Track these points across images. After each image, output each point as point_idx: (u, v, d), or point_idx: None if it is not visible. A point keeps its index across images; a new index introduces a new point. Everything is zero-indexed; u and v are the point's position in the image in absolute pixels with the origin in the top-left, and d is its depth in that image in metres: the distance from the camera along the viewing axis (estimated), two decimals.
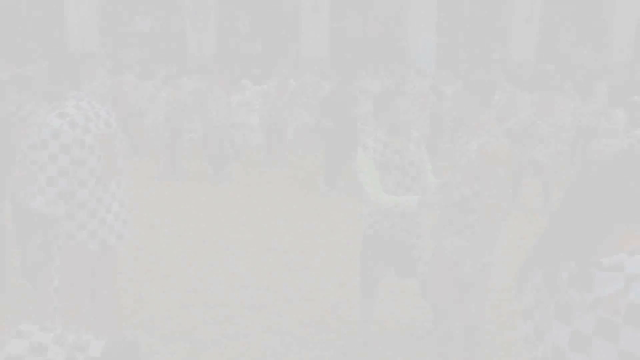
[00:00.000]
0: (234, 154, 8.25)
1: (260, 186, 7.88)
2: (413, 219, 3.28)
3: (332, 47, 14.97)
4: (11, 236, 4.16)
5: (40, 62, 9.30)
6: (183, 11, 14.31)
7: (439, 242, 3.05)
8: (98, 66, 9.30)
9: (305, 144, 10.50)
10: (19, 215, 3.82)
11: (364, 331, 3.59)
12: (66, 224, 2.77)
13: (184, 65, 13.82)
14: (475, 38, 14.69)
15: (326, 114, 7.30)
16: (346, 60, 14.06)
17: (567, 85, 12.64)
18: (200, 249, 5.28)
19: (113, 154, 2.93)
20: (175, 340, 3.62)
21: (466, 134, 2.93)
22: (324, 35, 14.69)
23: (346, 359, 3.49)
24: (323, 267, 4.88)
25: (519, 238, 4.98)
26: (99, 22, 14.34)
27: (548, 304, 1.43)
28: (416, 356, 3.51)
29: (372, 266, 3.36)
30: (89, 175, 2.76)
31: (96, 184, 2.81)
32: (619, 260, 1.25)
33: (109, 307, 3.09)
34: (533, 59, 14.99)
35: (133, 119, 9.92)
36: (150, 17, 14.65)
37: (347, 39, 14.92)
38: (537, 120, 6.53)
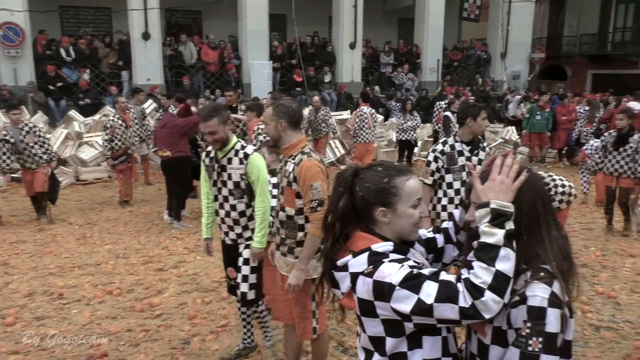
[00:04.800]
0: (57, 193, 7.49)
1: (97, 224, 7.32)
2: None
3: (166, 74, 14.62)
4: None
5: None
6: None
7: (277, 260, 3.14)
8: None
9: (147, 173, 10.06)
10: None
11: None
12: None
13: None
14: (309, 62, 15.47)
15: (164, 143, 7.07)
16: (181, 87, 13.80)
17: (391, 104, 14.02)
18: (29, 302, 4.72)
19: None
20: None
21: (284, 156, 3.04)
22: (158, 62, 14.28)
23: None
24: (171, 304, 4.70)
25: None
26: None
27: None
28: None
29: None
30: None
31: None
32: (346, 260, 1.51)
33: None
34: (360, 81, 16.30)
35: None
36: None
37: (182, 66, 14.67)
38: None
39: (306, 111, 10.95)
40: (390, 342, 1.48)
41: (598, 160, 6.73)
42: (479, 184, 1.47)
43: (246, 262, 3.44)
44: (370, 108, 9.60)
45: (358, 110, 9.65)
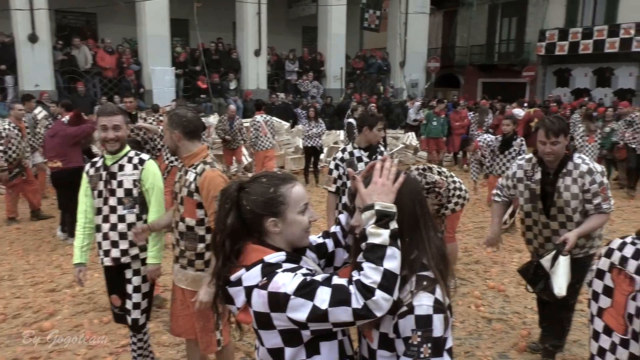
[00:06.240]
0: None
1: None
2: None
3: (58, 79, 13.66)
4: None
5: None
6: None
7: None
8: None
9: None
10: None
11: None
12: None
13: None
14: (213, 69, 15.19)
15: (55, 154, 6.58)
16: (76, 93, 12.96)
17: (300, 111, 14.14)
18: None
19: None
20: None
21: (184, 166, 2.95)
22: (47, 66, 13.31)
23: None
24: (64, 326, 4.38)
25: None
26: None
27: None
28: None
29: None
30: None
31: None
32: (239, 275, 1.51)
33: None
34: (266, 88, 16.29)
35: None
36: None
37: (75, 71, 13.78)
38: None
39: (212, 119, 10.75)
40: (289, 352, 1.48)
41: (488, 164, 7.25)
42: (362, 188, 1.51)
43: (136, 289, 3.19)
44: (263, 116, 9.90)
45: (252, 120, 9.81)
